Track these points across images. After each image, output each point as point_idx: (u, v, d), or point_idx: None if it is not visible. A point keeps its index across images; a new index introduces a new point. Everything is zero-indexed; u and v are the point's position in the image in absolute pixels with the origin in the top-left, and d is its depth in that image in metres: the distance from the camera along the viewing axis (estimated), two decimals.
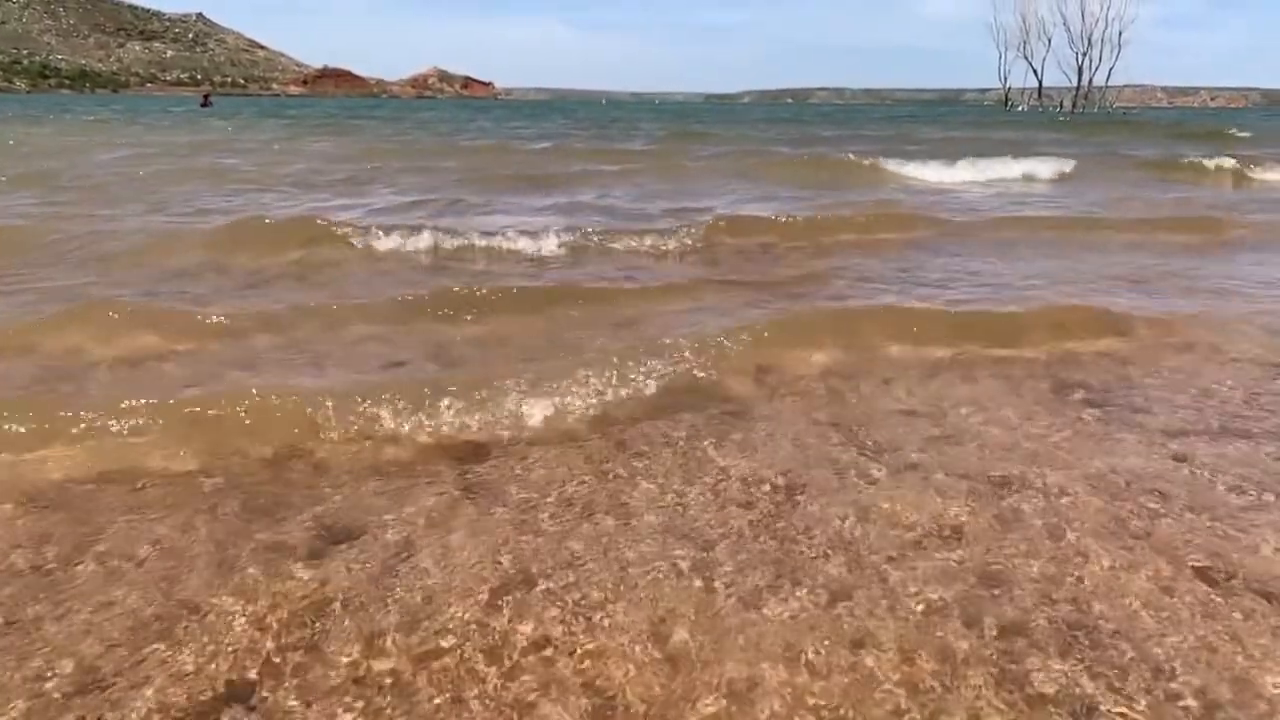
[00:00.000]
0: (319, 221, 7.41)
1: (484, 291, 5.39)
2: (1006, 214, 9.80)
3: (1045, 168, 14.68)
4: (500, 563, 2.45)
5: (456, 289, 5.43)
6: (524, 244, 7.13)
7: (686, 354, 4.19)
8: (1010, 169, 14.53)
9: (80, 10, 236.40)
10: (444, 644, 2.10)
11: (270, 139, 21.86)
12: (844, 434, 3.46)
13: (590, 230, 7.61)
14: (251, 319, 4.79)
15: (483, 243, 7.16)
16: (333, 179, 12.25)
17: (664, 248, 7.38)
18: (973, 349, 4.56)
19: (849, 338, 4.69)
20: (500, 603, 2.26)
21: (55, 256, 6.51)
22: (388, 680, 1.98)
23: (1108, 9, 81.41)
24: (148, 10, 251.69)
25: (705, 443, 3.34)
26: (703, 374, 4.12)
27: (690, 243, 7.54)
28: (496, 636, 2.12)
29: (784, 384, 4.05)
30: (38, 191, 10.19)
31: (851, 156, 15.29)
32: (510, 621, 2.18)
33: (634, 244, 7.41)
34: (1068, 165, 14.89)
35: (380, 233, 7.16)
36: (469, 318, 5.01)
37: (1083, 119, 53.85)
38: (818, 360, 4.40)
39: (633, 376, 3.93)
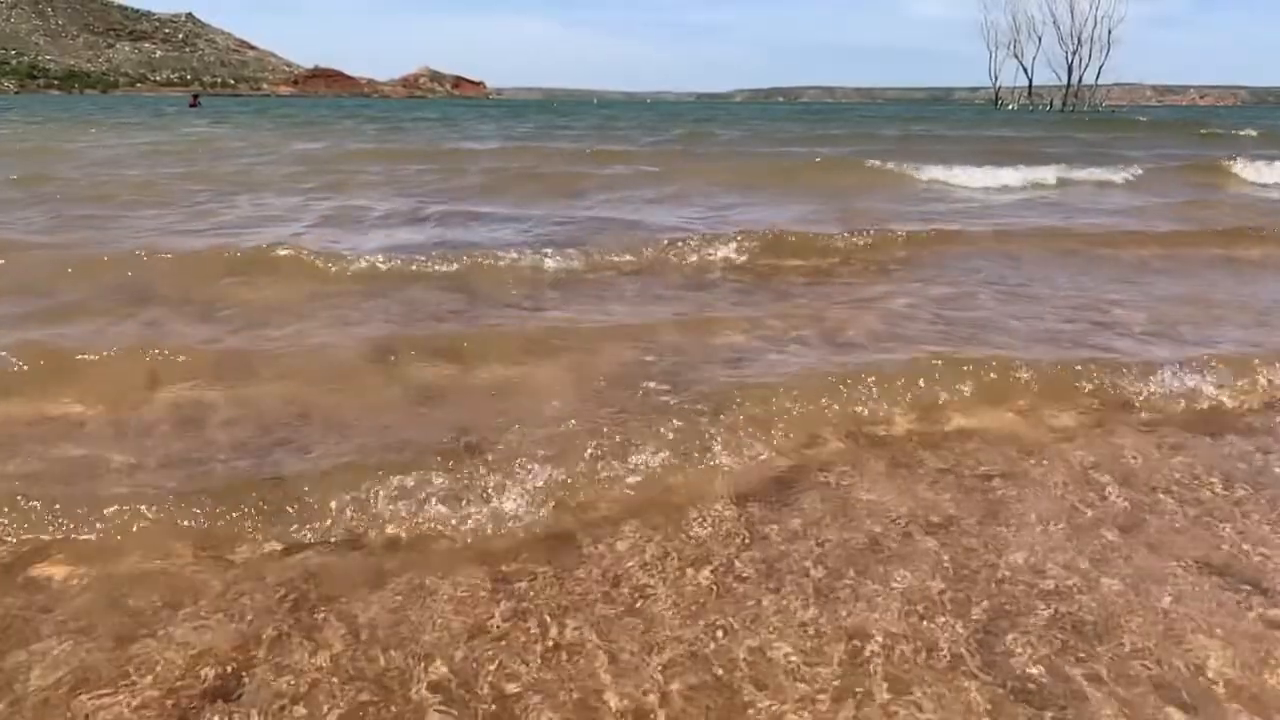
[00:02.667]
0: (306, 246, 6.45)
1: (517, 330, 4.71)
2: (1116, 227, 8.79)
3: (1094, 175, 13.89)
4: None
5: (486, 324, 4.80)
6: (550, 264, 6.34)
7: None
8: (1053, 175, 13.65)
9: (69, 10, 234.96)
10: None
11: (266, 140, 21.72)
12: None
13: (627, 247, 6.80)
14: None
15: (504, 262, 6.37)
16: (339, 181, 11.98)
17: (713, 266, 6.62)
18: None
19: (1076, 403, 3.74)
20: None
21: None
22: None
23: (1097, 8, 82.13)
24: (137, 10, 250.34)
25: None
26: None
27: (745, 260, 6.78)
28: None
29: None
30: (36, 199, 9.77)
31: (887, 165, 14.15)
32: None
33: (675, 259, 6.68)
34: (1126, 172, 14.01)
35: (372, 255, 6.35)
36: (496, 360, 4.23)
37: (1073, 117, 54.13)
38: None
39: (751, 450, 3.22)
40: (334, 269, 6.05)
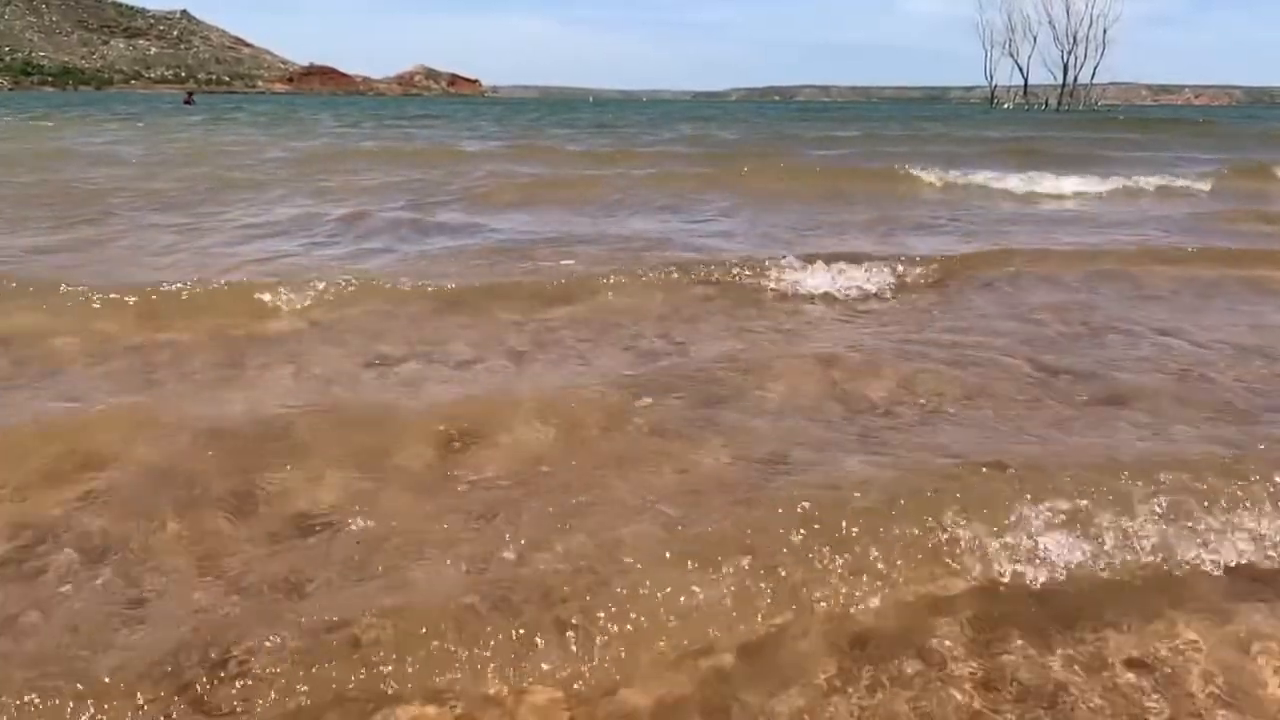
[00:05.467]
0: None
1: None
2: None
3: (1165, 182, 12.62)
4: None
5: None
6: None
7: None
8: (1122, 182, 12.35)
9: (63, 7, 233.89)
10: None
11: (261, 139, 21.51)
12: None
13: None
14: None
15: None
16: (342, 185, 11.55)
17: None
18: None
19: None
20: None
21: None
22: None
23: (1092, 7, 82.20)
24: (132, 7, 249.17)
25: None
26: None
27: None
28: None
29: None
30: (34, 204, 9.42)
31: (942, 173, 12.68)
32: None
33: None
34: (1195, 180, 12.85)
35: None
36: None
37: (1072, 117, 54.19)
38: None
39: None
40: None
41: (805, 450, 3.17)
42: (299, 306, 5.04)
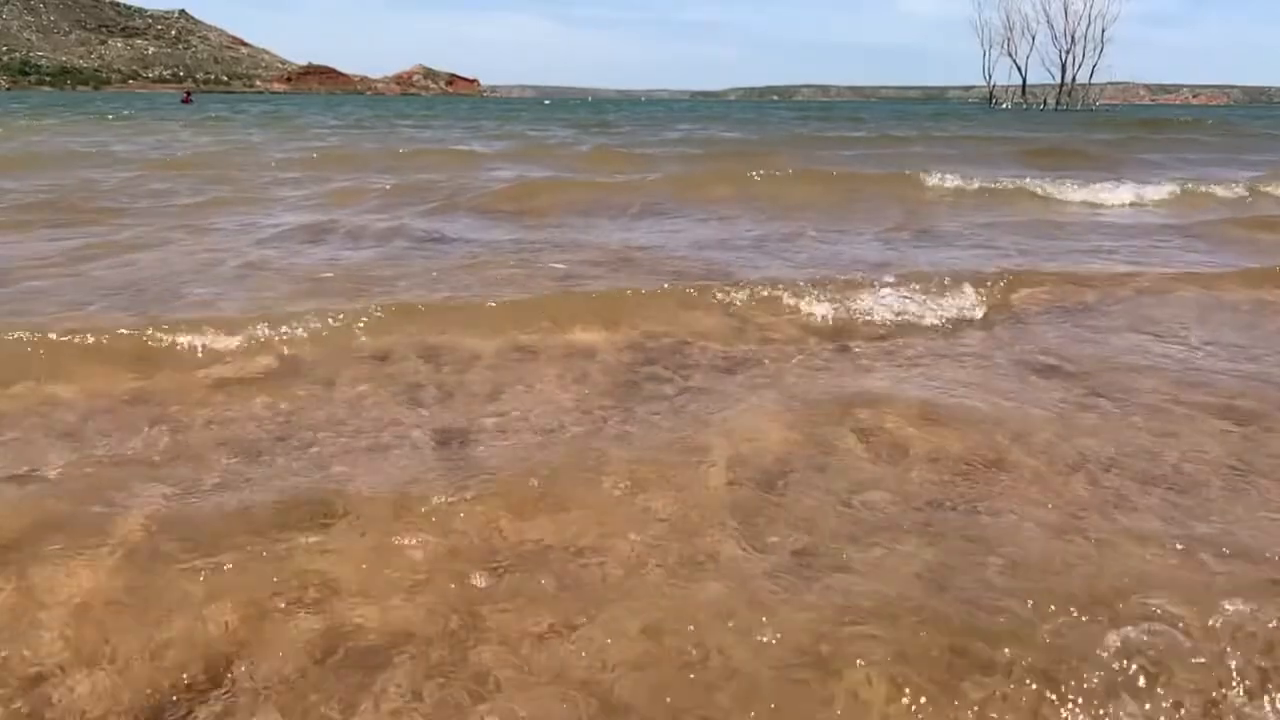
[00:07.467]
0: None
1: None
2: None
3: (1238, 187, 11.34)
4: None
5: None
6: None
7: None
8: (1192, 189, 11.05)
9: (61, 7, 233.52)
10: None
11: (261, 140, 21.24)
12: None
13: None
14: None
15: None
16: (346, 189, 11.05)
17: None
18: None
19: None
20: None
21: None
22: None
23: (1090, 6, 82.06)
24: (129, 7, 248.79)
25: None
26: None
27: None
28: None
29: None
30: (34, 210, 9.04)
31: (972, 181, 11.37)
32: None
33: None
34: (1272, 185, 11.68)
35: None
36: None
37: (1071, 116, 54.00)
38: None
39: None
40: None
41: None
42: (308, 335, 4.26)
